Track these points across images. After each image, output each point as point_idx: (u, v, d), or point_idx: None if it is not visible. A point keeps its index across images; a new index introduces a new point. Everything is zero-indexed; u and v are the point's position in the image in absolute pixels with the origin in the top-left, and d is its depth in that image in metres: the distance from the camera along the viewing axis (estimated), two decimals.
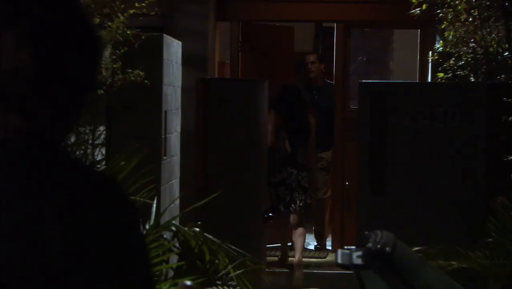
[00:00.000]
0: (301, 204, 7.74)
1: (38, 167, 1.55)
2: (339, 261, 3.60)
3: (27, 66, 1.52)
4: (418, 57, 8.30)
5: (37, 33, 1.54)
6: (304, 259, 7.98)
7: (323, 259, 8.41)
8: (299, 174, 7.76)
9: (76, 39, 1.59)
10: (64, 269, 1.49)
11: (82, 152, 5.32)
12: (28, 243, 1.49)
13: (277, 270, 7.58)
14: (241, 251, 4.96)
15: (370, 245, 3.45)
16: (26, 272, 1.49)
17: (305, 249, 8.57)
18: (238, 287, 4.77)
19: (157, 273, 4.50)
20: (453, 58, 6.41)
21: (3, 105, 1.54)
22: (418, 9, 6.28)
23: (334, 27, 8.88)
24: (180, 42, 6.57)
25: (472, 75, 6.37)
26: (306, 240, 8.21)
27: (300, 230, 7.69)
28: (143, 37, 5.48)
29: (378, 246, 3.41)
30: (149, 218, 4.75)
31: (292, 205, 7.71)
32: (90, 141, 5.45)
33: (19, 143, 1.56)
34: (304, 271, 7.73)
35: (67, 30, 1.57)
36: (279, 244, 8.20)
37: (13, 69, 1.52)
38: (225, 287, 4.75)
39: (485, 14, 6.16)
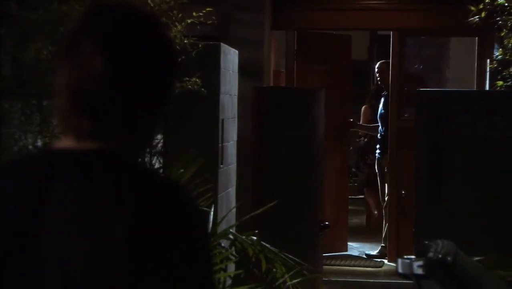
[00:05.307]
0: None
1: (108, 175, 1.57)
2: (400, 270, 3.57)
3: (101, 70, 1.56)
4: (476, 65, 8.20)
5: (112, 39, 1.57)
6: (359, 268, 8.09)
7: (380, 268, 8.35)
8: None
9: (151, 50, 1.61)
10: (131, 271, 1.51)
11: (140, 160, 5.36)
12: (96, 247, 1.53)
13: (334, 279, 7.54)
14: (297, 260, 4.95)
15: (431, 254, 3.41)
16: (94, 274, 1.51)
17: (360, 258, 8.58)
18: None
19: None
20: None
21: (77, 109, 1.57)
22: (477, 16, 6.21)
23: (389, 35, 8.83)
24: (236, 51, 6.59)
25: None
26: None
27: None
28: (200, 46, 5.50)
29: (439, 255, 3.37)
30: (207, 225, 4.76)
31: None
32: (148, 150, 5.49)
33: (91, 152, 1.59)
34: (360, 280, 7.71)
35: (141, 40, 1.61)
36: (338, 253, 8.63)
37: (88, 72, 1.56)
38: None
39: None
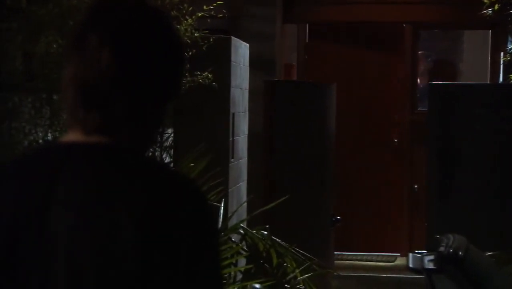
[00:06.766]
0: None
1: (116, 169, 1.57)
2: (411, 265, 3.54)
3: (108, 64, 1.55)
4: (490, 58, 8.16)
5: (118, 32, 1.56)
6: (371, 263, 8.04)
7: (392, 263, 8.33)
8: None
9: (158, 44, 1.60)
10: (139, 265, 1.51)
11: (150, 154, 5.35)
12: (105, 241, 1.52)
13: (345, 274, 7.52)
14: (308, 255, 4.93)
15: (442, 249, 3.38)
16: (102, 269, 1.51)
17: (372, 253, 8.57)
18: None
19: (226, 275, 4.50)
20: None
21: (84, 103, 1.56)
22: (490, 9, 6.17)
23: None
24: (247, 45, 6.57)
25: None
26: None
27: None
28: (211, 40, 5.48)
29: (451, 250, 3.35)
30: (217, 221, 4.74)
31: None
32: (158, 144, 5.48)
33: (99, 146, 1.57)
34: (372, 275, 7.69)
35: (149, 33, 1.59)
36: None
37: (95, 66, 1.54)
38: None
39: None
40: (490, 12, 6.22)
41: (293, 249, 4.83)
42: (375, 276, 7.73)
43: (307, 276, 4.74)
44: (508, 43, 6.98)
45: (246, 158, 6.61)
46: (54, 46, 4.37)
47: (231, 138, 5.92)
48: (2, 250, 1.54)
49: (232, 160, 5.94)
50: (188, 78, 5.45)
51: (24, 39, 4.43)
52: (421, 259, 3.53)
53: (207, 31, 5.55)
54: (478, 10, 6.33)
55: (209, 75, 5.44)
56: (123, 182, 1.55)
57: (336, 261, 7.66)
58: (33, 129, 4.44)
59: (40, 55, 4.38)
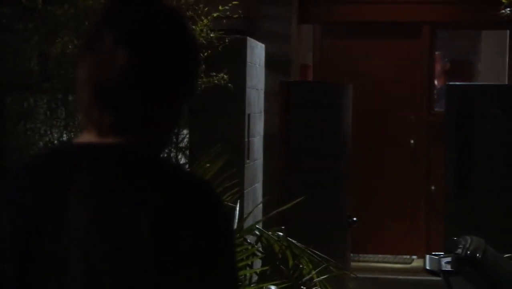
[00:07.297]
0: None
1: (130, 170, 1.56)
2: (428, 267, 3.52)
3: (123, 64, 1.54)
4: (507, 58, 8.11)
5: (133, 33, 1.56)
6: (388, 265, 7.99)
7: (408, 265, 8.29)
8: None
9: (173, 44, 1.59)
10: (153, 266, 1.50)
11: (166, 155, 5.34)
12: (119, 242, 1.51)
13: (362, 275, 7.49)
14: (324, 256, 4.91)
15: (459, 251, 3.36)
16: (117, 269, 1.50)
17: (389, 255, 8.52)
18: None
19: (241, 277, 4.48)
20: None
21: (99, 103, 1.55)
22: (508, 9, 6.13)
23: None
24: (263, 45, 6.56)
25: None
26: None
27: None
28: (226, 40, 5.47)
29: (468, 252, 3.32)
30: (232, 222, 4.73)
31: None
32: (174, 145, 5.47)
33: (113, 147, 1.56)
34: (389, 277, 7.65)
35: (164, 33, 1.58)
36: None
37: (110, 67, 1.53)
38: None
39: None
40: (508, 12, 6.18)
41: (309, 250, 4.80)
42: (392, 278, 7.69)
43: (323, 278, 4.71)
44: None
45: (262, 159, 6.60)
46: (70, 46, 4.37)
47: (246, 139, 5.91)
48: (17, 251, 1.54)
49: (247, 160, 5.93)
50: (204, 79, 5.44)
51: (40, 40, 4.43)
52: (438, 261, 3.51)
53: (223, 32, 5.54)
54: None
55: (224, 76, 5.42)
56: (137, 183, 1.54)
57: (352, 263, 7.63)
58: (49, 130, 4.44)
59: (56, 55, 4.38)
